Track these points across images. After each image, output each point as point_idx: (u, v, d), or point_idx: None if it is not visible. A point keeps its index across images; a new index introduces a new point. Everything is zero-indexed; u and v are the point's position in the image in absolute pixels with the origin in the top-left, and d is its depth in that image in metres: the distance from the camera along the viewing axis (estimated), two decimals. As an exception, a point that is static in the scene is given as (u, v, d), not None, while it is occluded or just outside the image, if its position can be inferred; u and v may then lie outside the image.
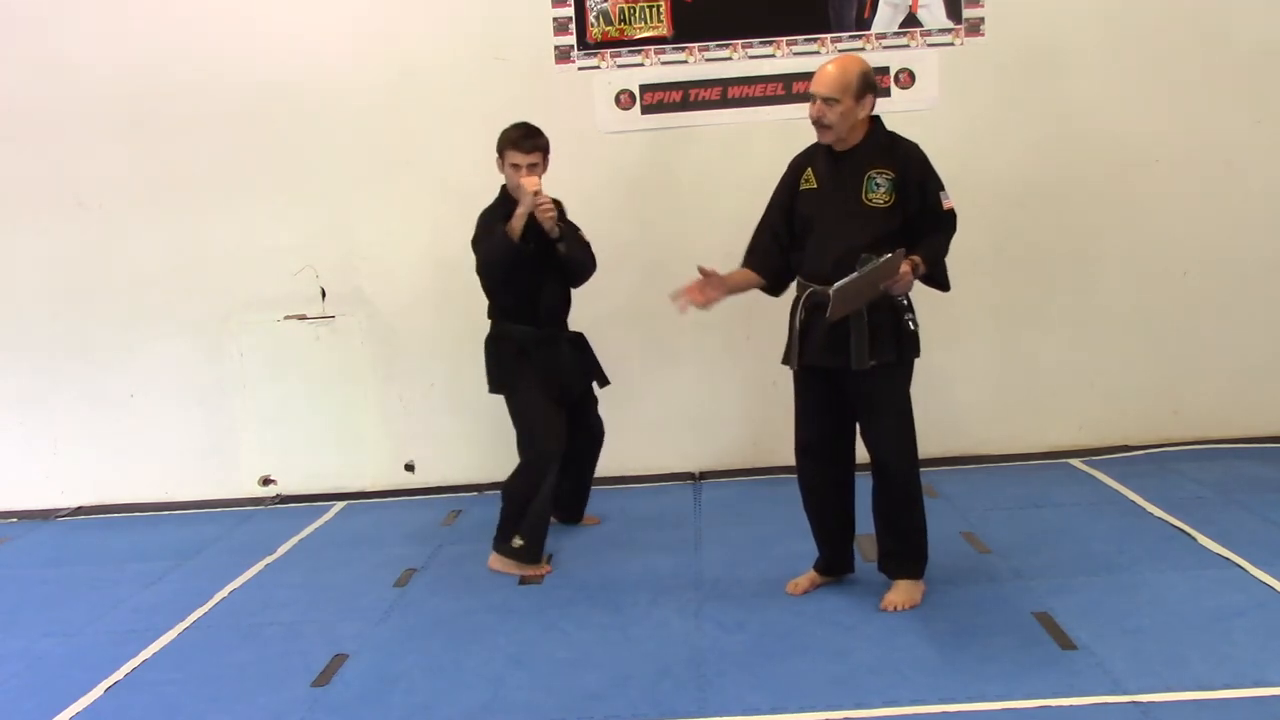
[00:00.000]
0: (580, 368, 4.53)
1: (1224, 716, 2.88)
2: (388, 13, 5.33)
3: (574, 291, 4.53)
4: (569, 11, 5.29)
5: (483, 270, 4.33)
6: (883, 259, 3.40)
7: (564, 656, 3.49)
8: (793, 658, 3.37)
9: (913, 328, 3.63)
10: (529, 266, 4.28)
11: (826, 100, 3.54)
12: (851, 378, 3.61)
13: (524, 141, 4.23)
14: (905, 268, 3.46)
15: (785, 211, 3.74)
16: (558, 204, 4.33)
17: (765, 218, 3.81)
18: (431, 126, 5.29)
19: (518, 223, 4.18)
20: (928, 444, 3.93)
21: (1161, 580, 3.77)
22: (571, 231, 4.37)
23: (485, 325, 4.53)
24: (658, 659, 3.42)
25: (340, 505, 5.45)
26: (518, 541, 4.28)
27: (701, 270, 3.65)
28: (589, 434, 4.67)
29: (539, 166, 4.25)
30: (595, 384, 4.62)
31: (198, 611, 4.09)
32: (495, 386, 4.46)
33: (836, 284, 3.44)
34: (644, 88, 5.33)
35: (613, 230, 5.32)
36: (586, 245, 4.44)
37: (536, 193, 4.17)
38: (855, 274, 3.42)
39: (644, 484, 5.44)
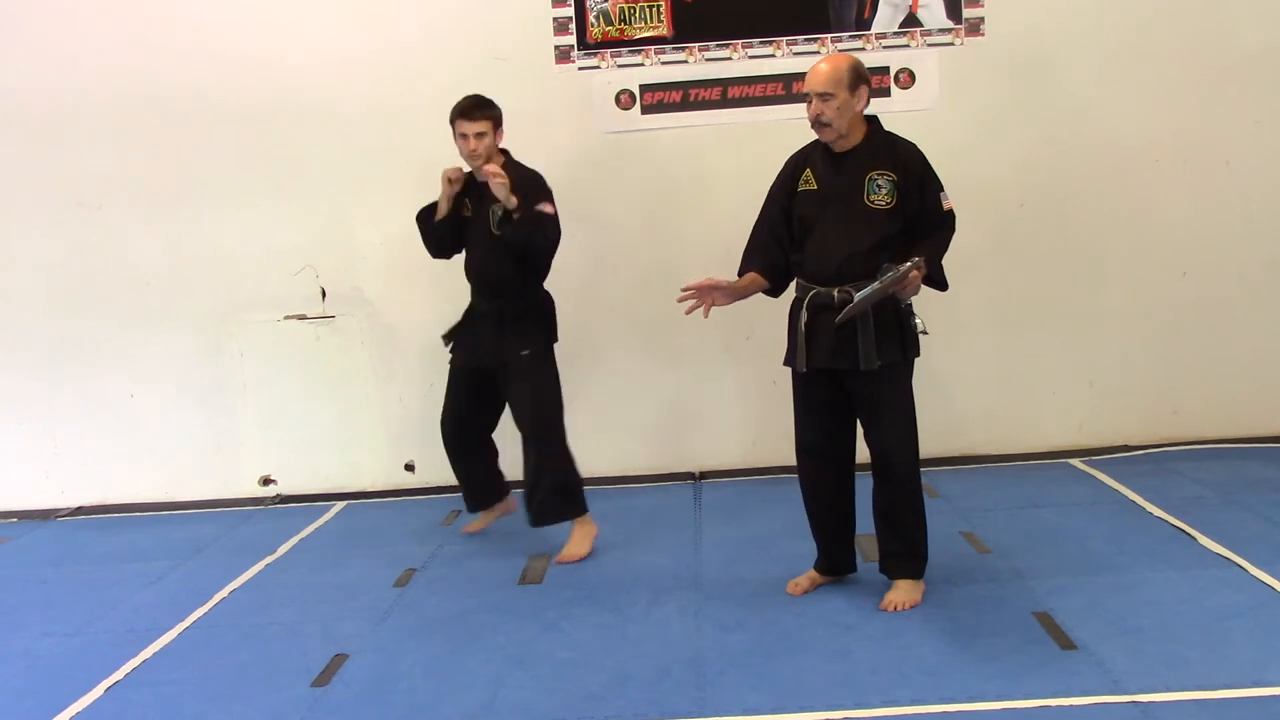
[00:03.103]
0: (494, 341, 4.38)
1: (1223, 716, 2.88)
2: (387, 13, 5.33)
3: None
4: (569, 11, 5.30)
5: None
6: (903, 267, 3.41)
7: (564, 656, 3.49)
8: (793, 658, 3.37)
9: (916, 327, 3.64)
10: (453, 239, 4.48)
11: (822, 96, 3.55)
12: (856, 378, 3.61)
13: (472, 110, 4.29)
14: (915, 273, 3.47)
15: (784, 212, 3.74)
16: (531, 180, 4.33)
17: (763, 218, 3.80)
18: (432, 127, 5.23)
19: (443, 206, 4.41)
20: (928, 444, 3.93)
21: (1161, 580, 3.77)
22: (526, 212, 4.24)
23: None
24: (658, 659, 3.42)
25: (340, 505, 5.45)
26: None
27: (710, 280, 3.67)
28: (493, 413, 4.58)
29: (487, 136, 4.29)
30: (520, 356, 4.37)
31: (198, 611, 4.09)
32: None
33: (860, 293, 3.46)
34: (644, 88, 5.33)
35: (613, 230, 5.34)
36: (537, 221, 4.24)
37: (450, 180, 4.36)
38: (877, 283, 3.44)
39: (644, 484, 5.44)
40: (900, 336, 3.61)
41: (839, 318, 3.51)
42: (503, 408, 4.54)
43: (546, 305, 4.48)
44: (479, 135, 4.27)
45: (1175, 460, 5.24)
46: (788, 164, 3.80)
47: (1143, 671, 3.11)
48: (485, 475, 4.73)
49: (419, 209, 4.53)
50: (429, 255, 4.60)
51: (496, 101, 4.35)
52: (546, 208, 4.26)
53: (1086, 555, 4.06)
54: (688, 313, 3.72)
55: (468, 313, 4.55)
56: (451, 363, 4.60)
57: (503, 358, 4.37)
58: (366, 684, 3.39)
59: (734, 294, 3.73)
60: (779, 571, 4.01)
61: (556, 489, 4.36)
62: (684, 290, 3.68)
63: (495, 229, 4.30)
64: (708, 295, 3.68)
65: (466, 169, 4.41)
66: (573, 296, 4.54)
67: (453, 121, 4.33)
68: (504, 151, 4.40)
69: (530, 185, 4.30)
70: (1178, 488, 4.79)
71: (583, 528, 4.42)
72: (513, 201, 4.20)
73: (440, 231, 4.48)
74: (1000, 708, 2.97)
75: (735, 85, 5.31)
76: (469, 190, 4.42)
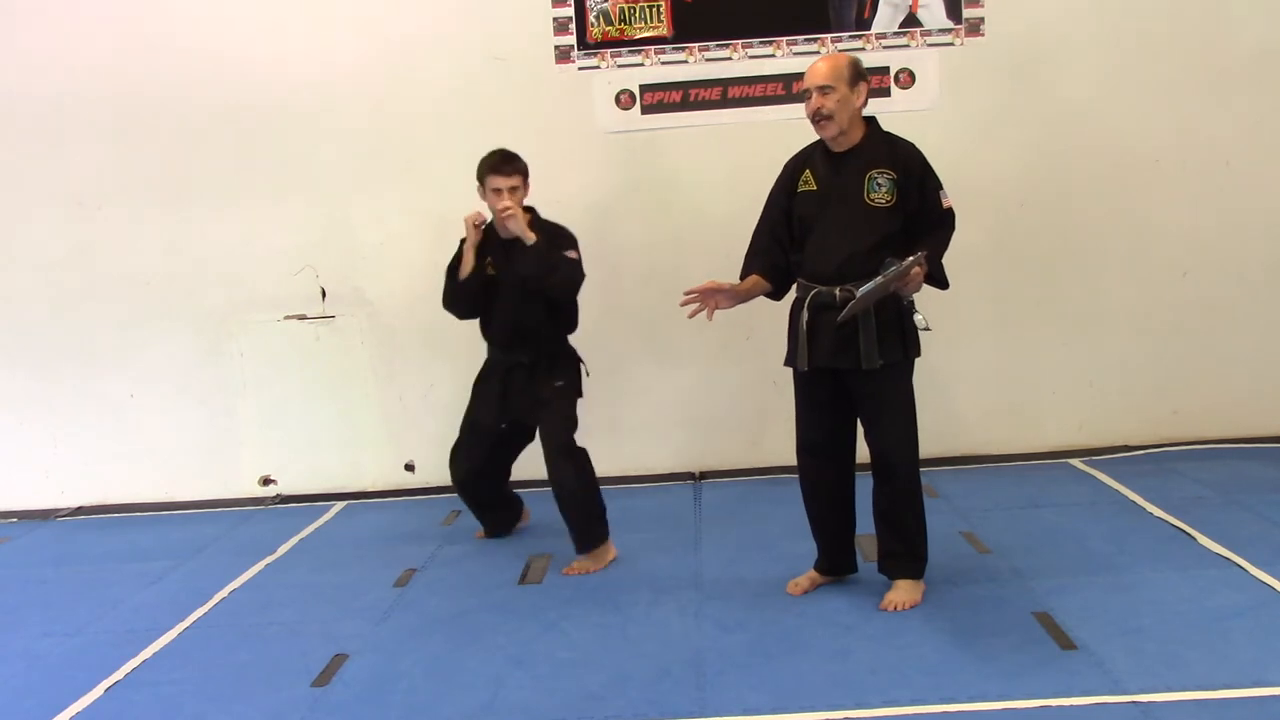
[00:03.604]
0: (526, 389, 4.39)
1: (1224, 716, 2.88)
2: (388, 13, 5.33)
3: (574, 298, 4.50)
4: (569, 11, 5.29)
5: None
6: (905, 262, 3.41)
7: (564, 656, 3.49)
8: (793, 658, 3.37)
9: (918, 325, 3.64)
10: (476, 294, 4.39)
11: (822, 89, 3.56)
12: (857, 377, 3.61)
13: (503, 166, 4.24)
14: (916, 269, 3.47)
15: (785, 214, 3.74)
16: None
17: (764, 221, 3.81)
18: (432, 127, 5.29)
19: (468, 255, 4.33)
20: (928, 444, 3.93)
21: (1161, 580, 3.77)
22: (543, 247, 4.26)
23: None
24: (658, 659, 3.42)
25: (340, 505, 5.46)
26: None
27: (713, 284, 3.68)
28: (518, 452, 4.66)
29: (519, 190, 4.26)
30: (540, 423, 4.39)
31: (198, 611, 4.09)
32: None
33: (862, 289, 3.46)
34: (644, 88, 5.33)
35: (613, 230, 5.34)
36: (556, 262, 4.27)
37: (476, 225, 4.31)
38: (880, 278, 3.44)
39: (644, 484, 5.44)
40: (901, 336, 3.62)
41: (842, 314, 3.51)
42: (527, 442, 4.58)
43: (576, 357, 4.48)
44: (512, 190, 4.23)
45: (1175, 460, 5.24)
46: (787, 166, 3.80)
47: (1143, 671, 3.11)
48: (506, 505, 4.77)
49: (449, 261, 4.42)
50: (453, 315, 4.48)
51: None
52: (570, 254, 4.29)
53: (1086, 555, 4.06)
54: (690, 316, 3.72)
55: (491, 371, 4.48)
56: (477, 419, 4.52)
57: (536, 398, 4.36)
58: (366, 684, 3.39)
59: (736, 297, 3.74)
60: (779, 571, 4.01)
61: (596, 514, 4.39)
62: (686, 294, 3.68)
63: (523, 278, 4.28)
64: (710, 299, 3.69)
65: (488, 219, 4.38)
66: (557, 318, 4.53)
67: (483, 178, 4.27)
68: (530, 209, 4.35)
69: (558, 236, 4.32)
70: (1178, 488, 4.79)
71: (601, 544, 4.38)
72: (530, 236, 4.20)
73: (470, 288, 4.37)
74: (1000, 708, 2.97)
75: (735, 85, 5.31)
76: (493, 248, 4.37)
